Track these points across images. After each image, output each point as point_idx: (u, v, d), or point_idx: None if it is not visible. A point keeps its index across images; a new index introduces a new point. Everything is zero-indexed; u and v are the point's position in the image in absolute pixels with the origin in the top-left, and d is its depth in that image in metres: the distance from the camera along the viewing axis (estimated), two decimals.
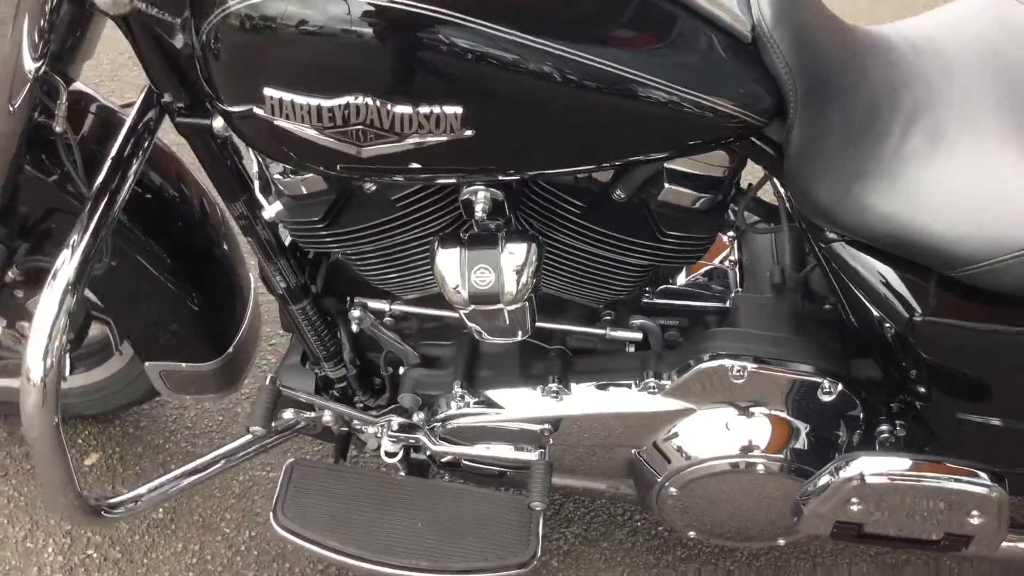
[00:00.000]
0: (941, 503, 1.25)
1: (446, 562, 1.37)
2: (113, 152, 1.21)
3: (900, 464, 1.25)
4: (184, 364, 1.58)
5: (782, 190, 1.24)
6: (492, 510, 1.42)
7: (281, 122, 0.99)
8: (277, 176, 1.25)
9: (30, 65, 1.11)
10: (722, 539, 1.47)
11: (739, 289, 1.39)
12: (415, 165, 1.03)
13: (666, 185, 1.18)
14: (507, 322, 1.24)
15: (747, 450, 1.32)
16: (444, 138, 0.99)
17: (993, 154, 1.10)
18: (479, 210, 1.16)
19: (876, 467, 1.24)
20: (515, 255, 1.18)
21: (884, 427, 1.33)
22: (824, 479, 1.27)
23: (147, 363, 1.59)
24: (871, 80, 1.13)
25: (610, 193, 1.19)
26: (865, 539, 1.32)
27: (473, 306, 1.21)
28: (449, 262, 1.19)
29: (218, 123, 1.19)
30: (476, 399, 1.41)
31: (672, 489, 1.37)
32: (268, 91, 0.97)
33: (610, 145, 1.07)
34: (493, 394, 1.41)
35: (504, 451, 1.41)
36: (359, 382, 1.54)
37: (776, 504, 1.36)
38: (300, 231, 1.31)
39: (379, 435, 1.45)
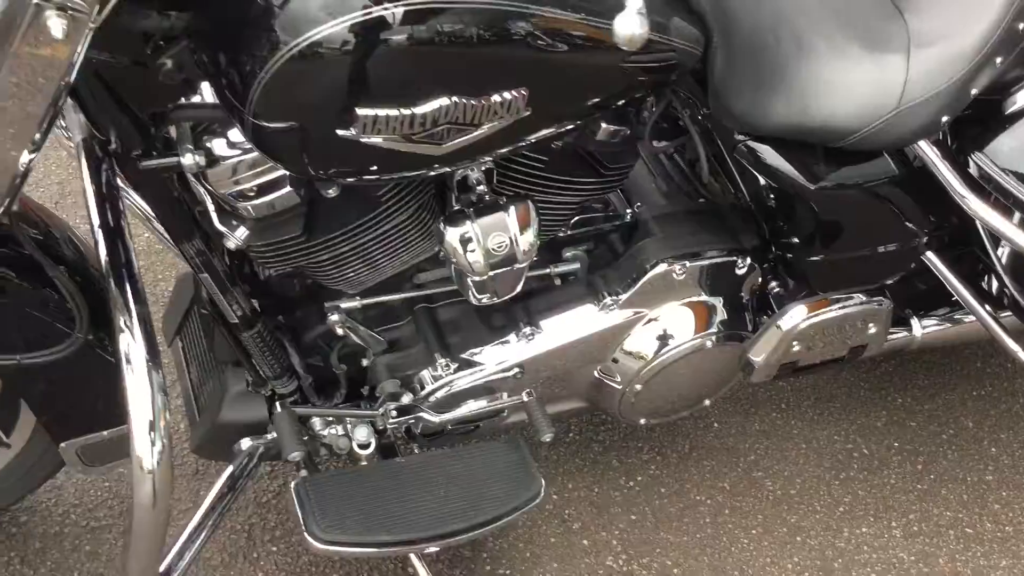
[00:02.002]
0: (848, 326, 1.60)
1: (480, 516, 1.46)
2: (97, 222, 1.11)
3: (819, 305, 1.58)
4: (106, 432, 1.48)
5: (683, 109, 1.47)
6: (492, 459, 1.53)
7: (369, 138, 1.02)
8: (244, 203, 1.24)
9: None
10: (668, 415, 1.72)
11: (639, 204, 1.61)
12: (481, 150, 1.11)
13: (603, 125, 1.36)
14: (514, 281, 1.37)
15: (691, 334, 1.57)
16: (511, 120, 1.09)
17: (841, 49, 1.43)
18: (480, 181, 1.27)
19: (803, 312, 1.56)
20: (521, 217, 1.30)
21: (773, 283, 1.65)
22: (769, 334, 1.56)
23: (63, 444, 1.46)
24: (757, 8, 1.39)
25: (572, 143, 1.34)
26: (798, 372, 1.65)
27: (491, 272, 1.31)
28: (465, 237, 1.28)
29: (188, 159, 1.16)
30: (456, 364, 1.50)
31: (637, 386, 1.58)
32: (361, 111, 0.99)
33: (608, 93, 1.22)
34: (470, 355, 1.51)
35: (497, 402, 1.53)
36: (314, 388, 1.55)
37: (719, 369, 1.63)
38: (274, 250, 1.31)
39: (380, 425, 1.48)
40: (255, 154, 1.20)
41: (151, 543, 1.14)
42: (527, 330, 1.50)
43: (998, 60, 1.41)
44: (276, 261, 1.33)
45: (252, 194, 1.24)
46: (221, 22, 1.01)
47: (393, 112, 1.01)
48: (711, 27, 1.30)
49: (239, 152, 1.20)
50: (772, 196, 1.52)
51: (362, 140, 1.02)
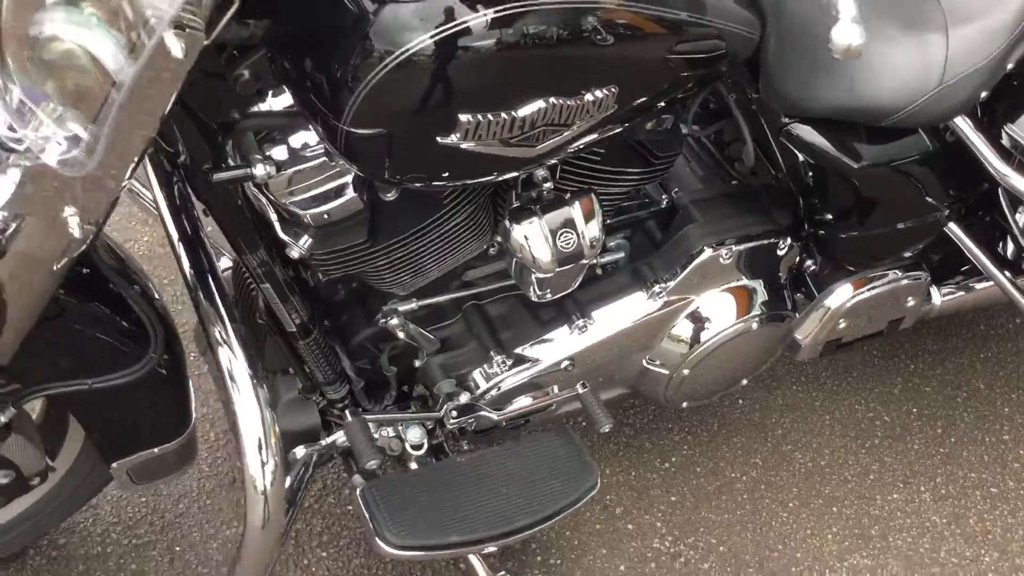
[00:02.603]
0: (890, 301, 1.63)
1: (544, 510, 1.45)
2: (175, 236, 1.08)
3: (863, 283, 1.60)
4: (156, 449, 1.44)
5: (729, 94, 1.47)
6: (547, 452, 1.52)
7: (468, 144, 1.00)
8: (308, 212, 1.22)
9: (79, 233, 0.95)
10: (710, 397, 1.74)
11: (676, 190, 1.61)
12: (572, 147, 1.09)
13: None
14: (578, 274, 1.36)
15: (736, 317, 1.58)
16: (600, 116, 1.08)
17: (882, 30, 1.44)
18: (547, 178, 1.26)
19: (850, 291, 1.58)
20: (586, 210, 1.30)
21: (808, 262, 1.67)
22: (816, 313, 1.59)
23: (115, 464, 1.42)
24: None
25: (627, 135, 1.34)
26: (841, 348, 1.68)
27: (559, 268, 1.30)
28: (533, 234, 1.27)
29: (259, 170, 1.14)
30: (511, 360, 1.50)
31: (685, 371, 1.59)
32: (463, 117, 0.97)
33: (685, 83, 1.22)
34: (523, 350, 1.51)
35: (552, 395, 1.52)
36: (366, 392, 1.53)
37: (761, 350, 1.65)
38: (336, 257, 1.29)
39: (442, 426, 1.47)
40: (318, 161, 1.18)
41: (260, 566, 1.11)
42: (579, 322, 1.50)
43: None
44: (337, 267, 1.31)
45: (316, 202, 1.21)
46: (306, 31, 0.98)
47: (494, 117, 0.99)
48: (765, 12, 1.30)
49: (302, 160, 1.18)
50: (811, 175, 1.54)
51: (461, 146, 1.00)
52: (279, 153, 1.17)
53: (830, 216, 1.59)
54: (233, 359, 1.04)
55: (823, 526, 1.82)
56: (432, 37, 0.93)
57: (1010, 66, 1.46)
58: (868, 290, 1.60)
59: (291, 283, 1.34)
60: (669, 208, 1.60)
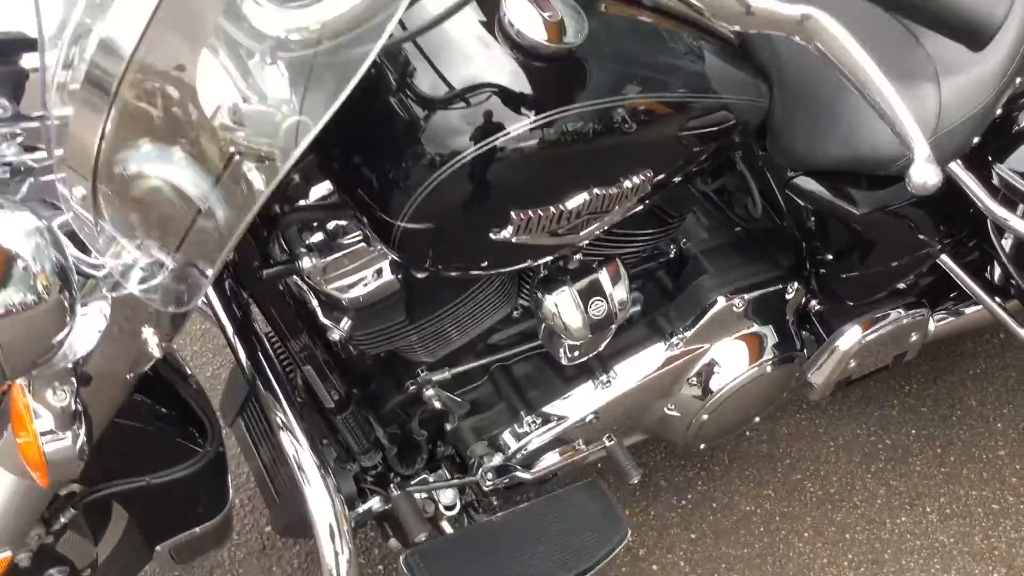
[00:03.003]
0: (895, 338, 1.70)
1: (581, 564, 1.49)
2: (231, 331, 1.11)
3: (870, 324, 1.67)
4: (198, 529, 1.46)
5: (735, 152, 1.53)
6: (579, 505, 1.57)
7: (520, 238, 1.04)
8: (348, 296, 1.25)
9: (157, 352, 0.98)
10: (725, 437, 1.79)
11: (684, 240, 1.67)
12: (614, 230, 1.14)
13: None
14: (606, 336, 1.41)
15: (750, 362, 1.64)
16: (637, 198, 1.12)
17: None
18: (576, 250, 1.30)
19: (859, 332, 1.65)
20: (613, 276, 1.34)
21: (813, 302, 1.74)
22: (828, 355, 1.65)
23: (159, 547, 1.44)
24: (800, 49, 1.45)
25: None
26: (850, 385, 1.74)
27: (591, 335, 1.35)
28: (565, 303, 1.31)
29: (307, 263, 1.17)
30: (540, 419, 1.54)
31: (704, 416, 1.64)
32: (515, 214, 1.01)
33: (709, 158, 1.27)
34: (550, 408, 1.55)
35: (581, 450, 1.57)
36: (398, 457, 1.56)
37: (774, 390, 1.71)
38: (375, 336, 1.32)
39: (483, 485, 1.50)
40: (356, 247, 1.21)
41: None
42: (603, 377, 1.54)
43: (1017, 80, 1.52)
44: (374, 345, 1.34)
45: (355, 286, 1.24)
46: (363, 136, 1.01)
47: (543, 212, 1.03)
48: (771, 77, 1.36)
49: (341, 247, 1.21)
50: (813, 221, 1.60)
51: (513, 240, 1.04)
52: (319, 242, 1.20)
53: (831, 258, 1.66)
54: (299, 448, 1.08)
55: (838, 554, 1.88)
56: (486, 144, 0.97)
57: (999, 111, 1.54)
58: (875, 331, 1.67)
59: (332, 363, 1.38)
60: (678, 258, 1.65)
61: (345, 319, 1.28)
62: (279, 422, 1.10)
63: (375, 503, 1.53)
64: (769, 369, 1.64)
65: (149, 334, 0.93)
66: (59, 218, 0.89)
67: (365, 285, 1.25)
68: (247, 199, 0.83)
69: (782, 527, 1.92)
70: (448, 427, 1.54)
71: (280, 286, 1.25)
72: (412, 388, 1.47)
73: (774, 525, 1.92)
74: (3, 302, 0.75)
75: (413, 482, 1.54)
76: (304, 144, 0.83)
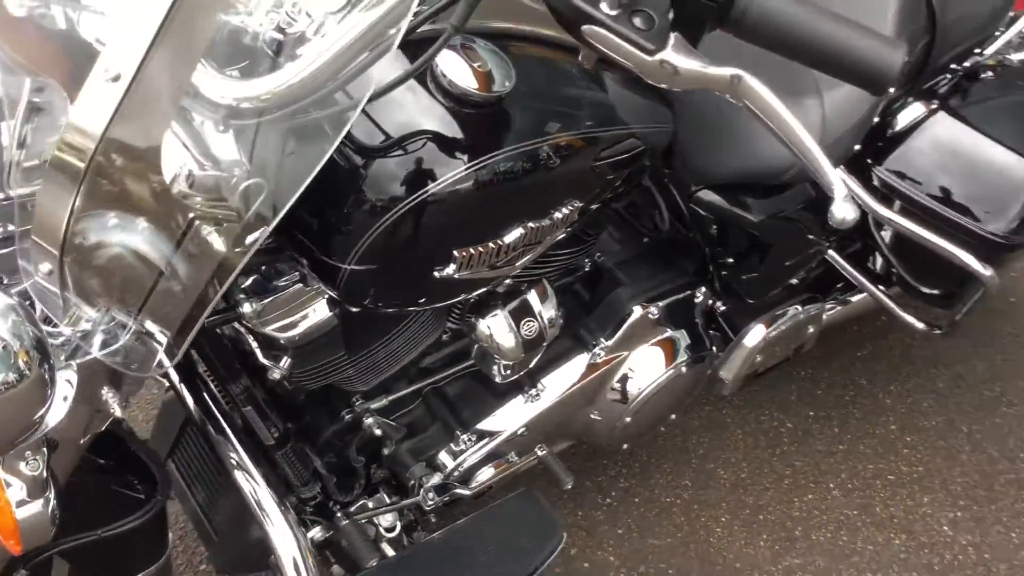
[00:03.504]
0: (796, 332, 1.83)
1: (524, 570, 1.56)
2: (177, 378, 1.13)
3: (772, 320, 1.79)
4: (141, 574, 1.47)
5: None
6: (514, 514, 1.63)
7: (462, 273, 1.09)
8: (286, 335, 1.28)
9: (118, 411, 1.01)
10: (645, 435, 1.89)
11: (598, 255, 1.75)
12: (544, 256, 1.20)
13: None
14: (538, 354, 1.47)
15: (667, 364, 1.73)
16: (565, 227, 1.19)
17: None
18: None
19: (763, 330, 1.76)
20: (542, 297, 1.41)
21: (717, 304, 1.85)
22: (736, 353, 1.76)
23: None
24: None
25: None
26: (756, 378, 1.86)
27: (524, 354, 1.41)
28: (498, 326, 1.38)
29: (247, 308, 1.20)
30: (475, 436, 1.59)
31: (626, 419, 1.73)
32: (458, 252, 1.06)
33: (626, 183, 1.35)
34: (484, 425, 1.60)
35: (516, 462, 1.63)
36: (338, 486, 1.59)
37: (689, 388, 1.81)
38: (314, 371, 1.35)
39: (424, 506, 1.55)
40: (293, 288, 1.25)
41: None
42: (531, 391, 1.61)
43: (891, 91, 1.66)
44: (315, 380, 1.37)
45: (293, 326, 1.27)
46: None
47: (484, 248, 1.09)
48: (672, 101, 1.45)
49: (277, 289, 1.24)
50: (715, 229, 1.71)
51: (456, 276, 1.10)
52: (256, 286, 1.23)
53: (732, 261, 1.77)
54: (257, 487, 1.10)
55: (754, 534, 2.01)
56: (428, 189, 1.02)
57: (876, 119, 1.68)
58: (777, 327, 1.79)
59: (266, 399, 1.40)
60: (593, 271, 1.74)
61: (285, 358, 1.31)
62: (233, 462, 1.13)
63: (316, 532, 1.56)
64: (684, 370, 1.74)
65: (110, 395, 0.94)
66: (15, 289, 0.90)
67: (303, 324, 1.28)
68: (208, 260, 0.86)
69: (701, 514, 2.03)
70: (385, 452, 1.58)
71: (218, 330, 1.27)
72: (348, 417, 1.51)
73: (693, 513, 2.03)
74: None
75: (354, 507, 1.57)
76: (281, 214, 0.87)
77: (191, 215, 0.85)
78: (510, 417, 1.61)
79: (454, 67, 1.02)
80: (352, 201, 1.03)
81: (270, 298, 1.23)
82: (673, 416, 1.91)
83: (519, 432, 1.62)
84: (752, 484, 2.10)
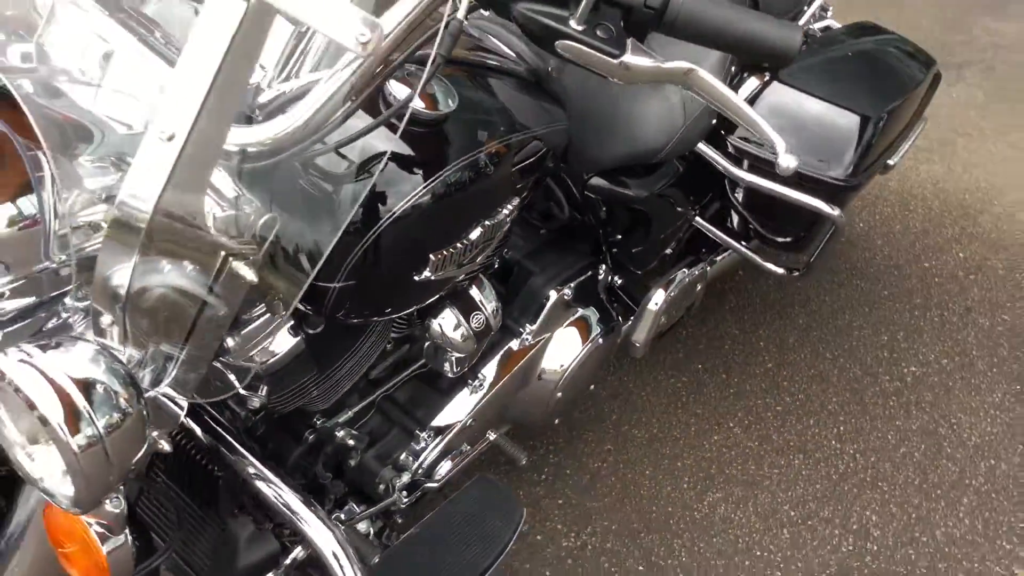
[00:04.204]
0: (688, 291, 2.06)
1: (496, 546, 1.69)
2: None
3: (668, 284, 2.01)
4: None
5: None
6: (476, 500, 1.77)
7: (438, 275, 1.22)
8: (260, 364, 1.37)
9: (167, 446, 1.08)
10: (573, 407, 2.06)
11: (505, 250, 1.91)
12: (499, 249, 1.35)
13: None
14: (484, 345, 1.62)
15: (585, 339, 1.92)
16: (509, 221, 1.34)
17: (635, 93, 1.83)
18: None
19: (663, 293, 1.98)
20: (483, 291, 1.56)
21: (613, 278, 2.05)
22: (644, 317, 1.96)
23: None
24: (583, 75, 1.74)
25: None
26: (661, 338, 2.07)
27: (475, 345, 1.55)
28: (449, 323, 1.51)
29: (229, 342, 1.29)
30: (432, 432, 1.72)
31: (558, 395, 1.90)
32: (433, 256, 1.19)
33: (544, 172, 1.51)
34: (437, 421, 1.73)
35: (473, 449, 1.76)
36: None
37: (605, 358, 2.00)
38: (289, 394, 1.44)
39: (400, 504, 1.65)
40: (263, 317, 1.34)
41: None
42: (474, 383, 1.75)
43: (732, 69, 1.91)
44: (286, 404, 1.46)
45: (266, 354, 1.36)
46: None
47: (453, 249, 1.23)
48: (564, 101, 1.63)
49: (251, 320, 1.33)
50: (604, 211, 1.91)
51: (432, 278, 1.23)
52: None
53: (621, 237, 1.98)
54: (281, 491, 1.19)
55: (677, 480, 2.22)
56: (401, 204, 1.15)
57: None
58: (673, 289, 2.01)
59: (251, 433, 1.48)
60: (504, 266, 1.90)
61: (262, 386, 1.40)
62: (251, 473, 1.21)
63: (298, 552, 1.64)
64: (600, 342, 1.93)
65: (154, 434, 1.02)
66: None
67: (278, 350, 1.37)
68: (239, 289, 0.97)
69: (627, 472, 2.23)
70: (352, 463, 1.68)
71: None
72: (312, 437, 1.60)
73: (620, 473, 2.22)
74: (87, 434, 0.83)
75: (333, 518, 1.66)
76: (319, 263, 0.98)
77: (223, 252, 0.95)
78: (459, 410, 1.75)
79: (402, 90, 1.16)
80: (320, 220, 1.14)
81: (245, 330, 1.33)
82: (592, 387, 2.10)
83: (468, 423, 1.76)
84: (664, 437, 2.32)
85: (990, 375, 2.56)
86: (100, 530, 0.98)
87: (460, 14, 0.90)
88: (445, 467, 1.75)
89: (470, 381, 1.76)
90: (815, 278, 2.78)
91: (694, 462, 2.27)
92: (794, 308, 2.71)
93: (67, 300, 0.94)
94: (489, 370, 1.78)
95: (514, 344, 1.81)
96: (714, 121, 1.92)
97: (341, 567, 1.22)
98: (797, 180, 1.99)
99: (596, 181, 1.82)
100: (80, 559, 0.98)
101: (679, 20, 0.92)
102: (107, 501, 0.97)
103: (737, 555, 2.08)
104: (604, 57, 0.90)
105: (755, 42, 0.95)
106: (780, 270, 2.27)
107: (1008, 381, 2.54)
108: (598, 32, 0.89)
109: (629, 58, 0.91)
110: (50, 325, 0.96)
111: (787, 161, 1.08)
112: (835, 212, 2.00)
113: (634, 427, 2.34)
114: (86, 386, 0.83)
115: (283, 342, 1.38)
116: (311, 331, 1.41)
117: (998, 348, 2.65)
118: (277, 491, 1.23)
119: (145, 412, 0.88)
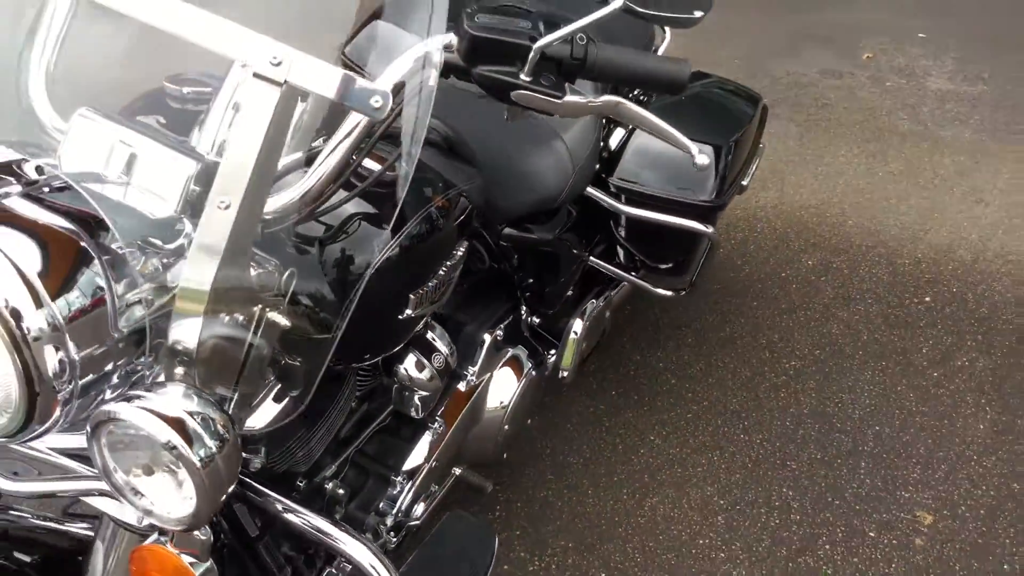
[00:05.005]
0: (600, 318, 2.31)
1: (483, 569, 1.86)
2: None
3: (583, 314, 2.25)
4: None
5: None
6: (452, 532, 1.92)
7: (415, 311, 1.42)
8: (263, 425, 1.52)
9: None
10: (516, 439, 2.25)
11: None
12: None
13: None
14: (445, 383, 1.80)
15: (522, 375, 2.12)
16: (461, 264, 1.56)
17: (530, 149, 2.09)
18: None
19: (581, 322, 2.22)
20: (436, 332, 1.75)
21: (532, 318, 2.28)
22: (570, 345, 2.19)
23: None
24: (484, 137, 1.97)
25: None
26: (583, 364, 2.29)
27: (440, 383, 1.74)
28: (414, 365, 1.70)
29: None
30: (405, 476, 1.87)
31: (506, 427, 2.09)
32: (412, 296, 1.39)
33: (463, 235, 1.73)
34: (407, 465, 1.89)
35: (443, 486, 1.93)
36: (305, 563, 1.79)
37: (539, 389, 2.21)
38: (282, 453, 1.59)
39: (389, 546, 1.79)
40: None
41: None
42: (434, 426, 1.93)
43: (603, 120, 2.22)
44: (283, 464, 1.60)
45: (263, 417, 1.51)
46: None
47: (425, 288, 1.43)
48: (474, 159, 1.87)
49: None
50: (517, 257, 2.15)
51: (412, 315, 1.42)
52: None
53: (533, 281, 2.22)
54: (309, 518, 1.34)
55: (616, 493, 2.44)
56: (382, 255, 1.35)
57: (602, 143, 2.22)
58: (589, 318, 2.26)
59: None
60: (437, 317, 2.10)
61: (260, 447, 1.54)
62: (279, 508, 1.35)
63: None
64: (533, 375, 2.15)
65: None
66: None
67: (271, 412, 1.52)
68: (273, 334, 1.14)
69: (571, 495, 2.43)
70: (337, 516, 1.81)
71: None
72: (303, 494, 1.73)
73: (564, 496, 2.42)
74: (202, 454, 0.97)
75: (325, 573, 1.78)
76: (347, 318, 1.17)
77: (260, 305, 1.13)
78: (424, 453, 1.92)
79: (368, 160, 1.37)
80: (337, 278, 1.33)
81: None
82: (529, 421, 2.30)
83: (433, 465, 1.93)
84: (597, 458, 2.54)
85: (857, 357, 2.92)
86: (190, 559, 1.11)
87: (431, 82, 1.12)
88: (421, 507, 1.90)
89: (430, 425, 1.93)
90: (695, 301, 3.10)
91: (627, 475, 2.49)
92: (682, 329, 3.01)
93: (141, 360, 1.08)
94: (444, 413, 1.96)
95: (461, 386, 2.00)
96: (597, 166, 2.21)
97: (378, 573, 1.36)
98: (671, 207, 2.29)
99: (508, 231, 2.06)
100: None
101: (596, 66, 1.18)
102: (197, 531, 1.10)
103: (683, 546, 2.30)
104: (550, 99, 1.14)
105: (655, 76, 1.21)
106: (669, 292, 2.56)
107: (874, 360, 2.91)
108: (542, 81, 1.13)
109: (569, 98, 1.15)
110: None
111: (702, 160, 1.35)
112: (709, 230, 2.31)
113: (568, 455, 2.55)
114: (192, 416, 0.98)
115: (277, 403, 1.53)
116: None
117: (859, 335, 3.02)
118: (305, 519, 1.37)
119: (239, 439, 1.03)
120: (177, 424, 0.97)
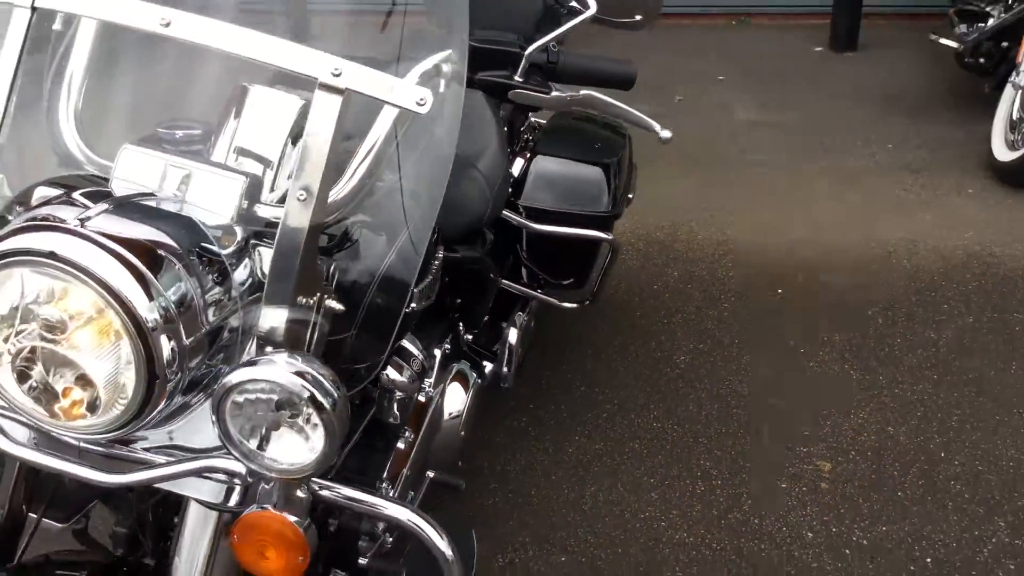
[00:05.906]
0: (528, 332, 2.52)
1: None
2: None
3: (513, 323, 2.46)
4: None
5: None
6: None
7: (418, 305, 1.59)
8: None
9: None
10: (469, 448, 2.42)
11: None
12: None
13: None
14: (420, 388, 1.97)
15: (466, 386, 2.30)
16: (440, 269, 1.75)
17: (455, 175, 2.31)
18: None
19: (516, 332, 2.43)
20: (412, 341, 1.92)
21: (467, 334, 2.48)
22: (507, 351, 2.39)
23: None
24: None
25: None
26: (520, 369, 2.50)
27: (419, 385, 1.90)
28: (395, 372, 1.85)
29: None
30: (387, 486, 2.00)
31: (462, 433, 2.26)
32: (415, 288, 1.57)
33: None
34: (386, 474, 2.02)
35: (420, 491, 2.07)
36: None
37: (483, 393, 2.39)
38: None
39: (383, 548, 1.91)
40: None
41: None
42: (404, 435, 2.08)
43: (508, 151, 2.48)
44: None
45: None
46: None
47: (427, 279, 1.61)
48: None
49: None
50: (447, 281, 2.35)
51: (416, 309, 1.60)
52: None
53: (461, 301, 2.42)
54: (342, 489, 1.46)
55: (557, 489, 2.64)
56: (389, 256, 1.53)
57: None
58: (521, 326, 2.48)
59: None
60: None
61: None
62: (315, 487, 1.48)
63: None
64: (479, 383, 2.33)
65: None
66: None
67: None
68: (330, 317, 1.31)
69: (515, 498, 2.62)
70: (331, 529, 1.92)
71: None
72: None
73: (510, 500, 2.61)
74: (329, 403, 1.12)
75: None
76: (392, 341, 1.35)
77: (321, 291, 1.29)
78: (400, 462, 2.05)
79: None
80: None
81: None
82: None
83: (407, 473, 2.08)
84: (532, 463, 2.75)
85: (735, 346, 3.28)
86: (293, 518, 1.23)
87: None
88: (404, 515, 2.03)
89: (401, 434, 2.08)
90: (589, 318, 3.37)
91: (564, 473, 2.70)
92: (582, 343, 3.28)
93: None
94: (410, 423, 2.11)
95: (421, 397, 2.16)
96: (509, 191, 2.45)
97: (424, 530, 1.50)
98: (575, 221, 2.56)
99: (443, 252, 2.25)
100: (281, 551, 1.22)
101: (565, 70, 1.44)
102: (299, 490, 1.23)
103: (627, 523, 2.53)
104: (540, 95, 1.38)
105: (610, 75, 1.49)
106: (573, 304, 2.82)
107: (750, 347, 3.27)
108: (531, 81, 1.38)
109: (554, 94, 1.40)
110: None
111: (665, 134, 1.62)
112: (609, 236, 2.60)
113: (506, 465, 2.73)
114: (312, 371, 1.14)
115: None
116: None
117: (731, 327, 3.39)
118: (338, 492, 1.49)
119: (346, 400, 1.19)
120: (308, 378, 1.12)
